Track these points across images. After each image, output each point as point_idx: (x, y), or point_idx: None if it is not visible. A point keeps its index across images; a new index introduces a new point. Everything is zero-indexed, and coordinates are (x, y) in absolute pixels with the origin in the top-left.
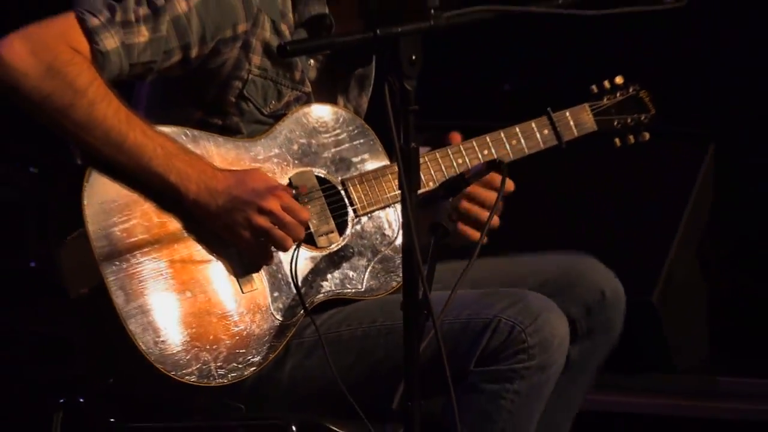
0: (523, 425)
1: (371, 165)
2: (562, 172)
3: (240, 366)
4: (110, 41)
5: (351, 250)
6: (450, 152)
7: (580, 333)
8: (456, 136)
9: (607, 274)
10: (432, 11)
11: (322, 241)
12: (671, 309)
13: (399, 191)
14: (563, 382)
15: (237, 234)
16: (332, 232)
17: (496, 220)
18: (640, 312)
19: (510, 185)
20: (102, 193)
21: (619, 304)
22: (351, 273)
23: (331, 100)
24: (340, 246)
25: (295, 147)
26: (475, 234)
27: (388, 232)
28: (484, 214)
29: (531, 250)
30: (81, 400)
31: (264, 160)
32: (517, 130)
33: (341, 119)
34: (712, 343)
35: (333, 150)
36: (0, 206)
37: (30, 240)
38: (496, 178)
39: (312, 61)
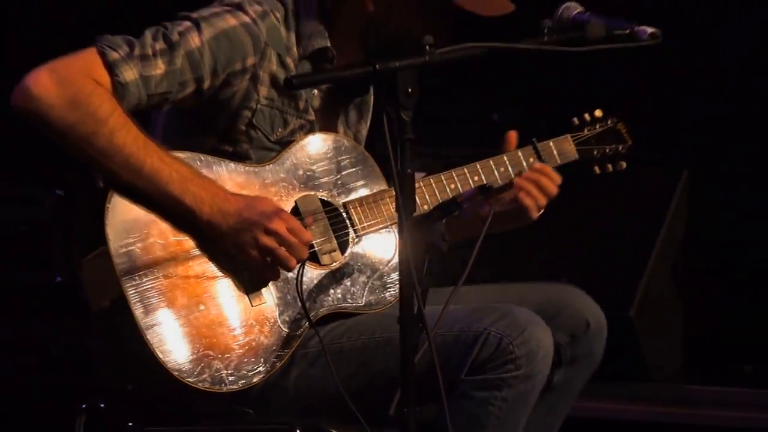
0: (510, 430)
1: (370, 189)
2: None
3: (249, 374)
4: (129, 73)
5: (352, 268)
6: (443, 178)
7: (565, 360)
8: (512, 135)
9: (592, 304)
10: (427, 47)
11: (325, 259)
12: (647, 323)
13: (396, 213)
14: (546, 405)
15: (246, 252)
16: (335, 251)
17: (543, 200)
18: (619, 325)
19: (548, 181)
20: (122, 214)
21: (602, 333)
22: (352, 289)
23: (332, 126)
24: (341, 264)
25: (301, 172)
26: (531, 212)
27: (386, 251)
28: (541, 198)
29: (520, 267)
30: (101, 405)
31: (272, 184)
32: (505, 158)
33: (343, 147)
34: (685, 354)
35: (335, 175)
36: (28, 225)
37: (56, 257)
38: (547, 170)
39: (316, 91)
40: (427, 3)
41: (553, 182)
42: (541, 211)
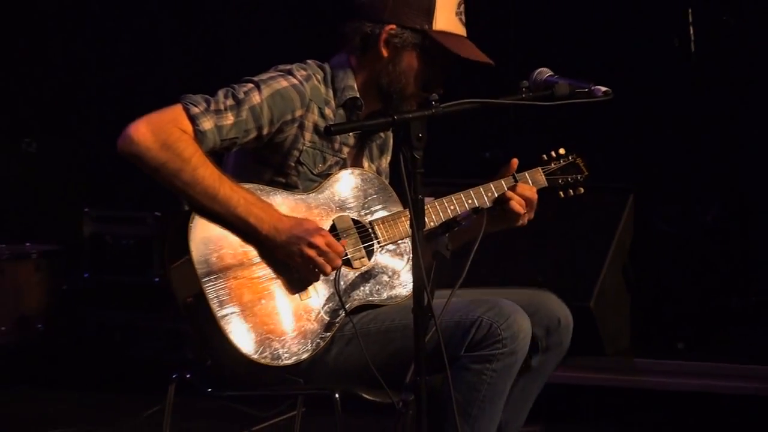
0: (499, 394)
1: (390, 211)
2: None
3: (299, 352)
4: (207, 124)
5: (376, 270)
6: (445, 201)
7: (541, 348)
8: (515, 162)
9: (562, 305)
10: (433, 102)
11: (356, 264)
12: (603, 311)
13: (410, 229)
14: (525, 383)
15: (294, 260)
16: (363, 257)
17: (524, 220)
18: (581, 313)
19: (534, 195)
20: (202, 231)
21: (569, 328)
22: (377, 286)
23: (359, 161)
24: (369, 267)
25: (337, 198)
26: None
27: (402, 257)
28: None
29: (505, 269)
30: (188, 375)
31: (315, 207)
32: (492, 186)
33: (368, 179)
34: (632, 335)
35: (363, 200)
36: (135, 239)
37: (155, 263)
38: (526, 190)
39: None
40: (427, 50)
41: (530, 190)
42: (528, 215)
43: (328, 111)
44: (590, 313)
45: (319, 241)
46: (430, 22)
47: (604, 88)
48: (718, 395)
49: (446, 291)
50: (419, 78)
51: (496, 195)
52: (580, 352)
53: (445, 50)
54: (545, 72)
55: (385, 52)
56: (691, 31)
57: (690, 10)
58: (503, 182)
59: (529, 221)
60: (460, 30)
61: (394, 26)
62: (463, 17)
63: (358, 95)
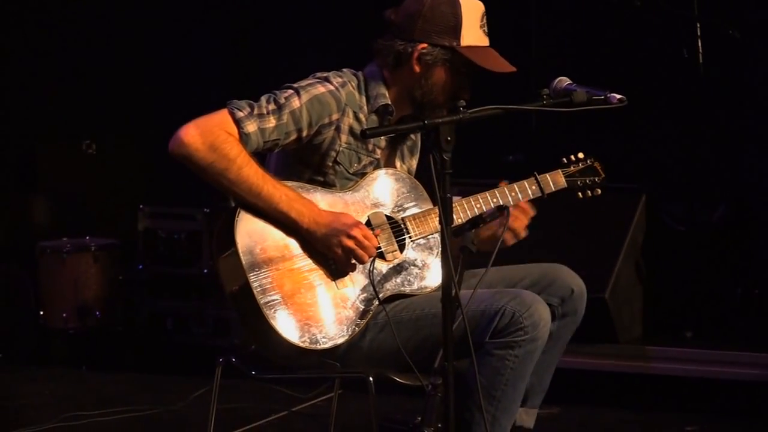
0: (521, 378)
1: (420, 208)
2: (547, 214)
3: (336, 337)
4: (251, 127)
5: (408, 263)
6: (472, 200)
7: (557, 316)
8: (503, 183)
9: (575, 276)
10: (461, 108)
11: (389, 256)
12: (617, 302)
13: (439, 225)
14: (547, 347)
15: (333, 251)
16: (396, 250)
17: (524, 232)
18: (596, 304)
19: (530, 211)
20: (247, 225)
21: (583, 297)
22: (408, 277)
23: (392, 161)
24: (401, 260)
25: (371, 196)
26: (509, 239)
27: (432, 251)
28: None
29: (524, 261)
30: (234, 359)
31: (351, 204)
32: (515, 186)
33: (400, 178)
34: (643, 324)
35: (395, 198)
36: (186, 234)
37: (203, 255)
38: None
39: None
40: (456, 64)
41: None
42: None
43: (361, 116)
44: (605, 303)
45: (356, 233)
46: (458, 39)
47: (619, 96)
48: (723, 380)
49: (477, 270)
50: (449, 88)
51: (519, 195)
52: (596, 340)
53: (473, 64)
54: (564, 81)
55: (417, 68)
56: (699, 44)
57: (698, 25)
58: (525, 183)
59: (550, 221)
60: (484, 41)
61: (425, 45)
62: (486, 28)
63: (389, 102)
